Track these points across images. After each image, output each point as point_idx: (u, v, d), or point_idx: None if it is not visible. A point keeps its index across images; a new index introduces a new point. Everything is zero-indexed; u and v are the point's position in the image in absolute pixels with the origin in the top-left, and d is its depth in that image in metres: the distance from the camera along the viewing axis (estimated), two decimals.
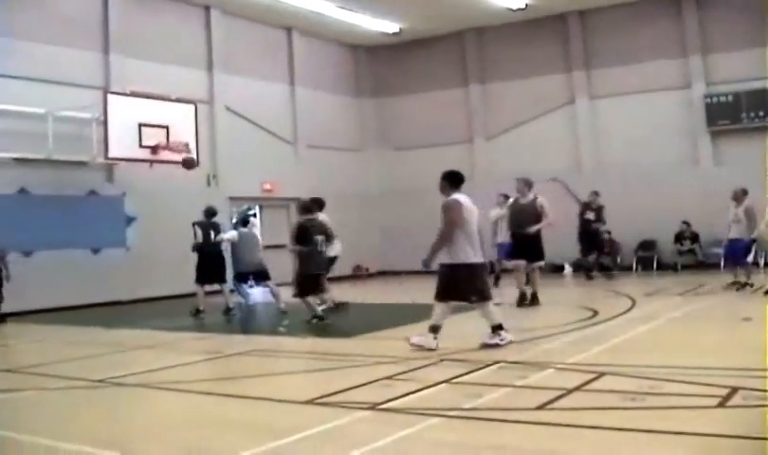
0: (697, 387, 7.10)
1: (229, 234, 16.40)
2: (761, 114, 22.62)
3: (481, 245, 10.31)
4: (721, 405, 6.48)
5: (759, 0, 22.35)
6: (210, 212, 16.41)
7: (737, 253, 16.71)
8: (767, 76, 20.75)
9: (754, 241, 16.65)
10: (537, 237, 14.80)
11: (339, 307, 14.58)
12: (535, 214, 14.69)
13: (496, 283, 20.40)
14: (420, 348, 9.78)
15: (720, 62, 23.43)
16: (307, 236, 13.96)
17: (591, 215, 20.56)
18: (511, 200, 15.09)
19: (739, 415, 6.27)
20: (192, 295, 16.30)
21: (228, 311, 15.98)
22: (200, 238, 15.99)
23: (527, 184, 14.91)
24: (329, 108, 27.33)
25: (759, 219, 16.36)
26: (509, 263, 15.80)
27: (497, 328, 10.09)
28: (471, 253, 10.08)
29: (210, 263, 16.07)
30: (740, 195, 16.68)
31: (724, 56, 23.25)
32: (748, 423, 5.99)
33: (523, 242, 14.76)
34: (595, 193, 20.83)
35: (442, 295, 10.12)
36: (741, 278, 16.59)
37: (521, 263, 14.90)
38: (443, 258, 10.13)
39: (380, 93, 28.73)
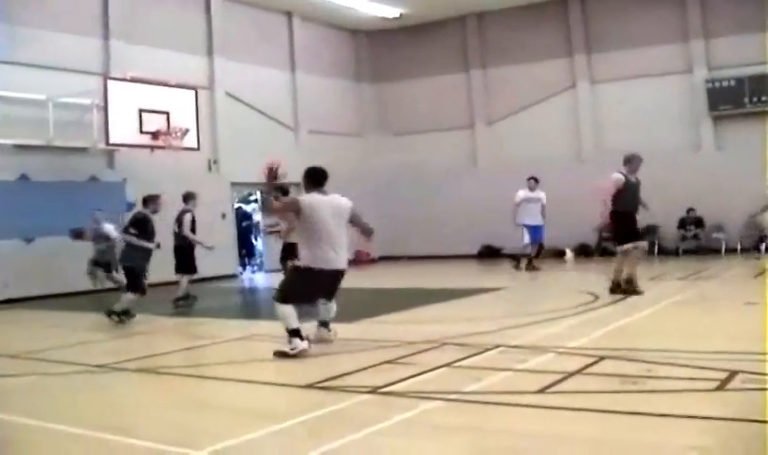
0: (696, 370, 7.13)
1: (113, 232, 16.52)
2: (764, 98, 22.51)
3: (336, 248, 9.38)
4: (719, 388, 6.50)
5: None
6: (144, 200, 14.22)
7: None
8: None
9: None
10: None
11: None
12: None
13: (518, 265, 20.18)
14: (286, 354, 8.93)
15: (722, 46, 23.30)
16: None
17: None
18: (619, 176, 13.57)
19: (737, 398, 6.30)
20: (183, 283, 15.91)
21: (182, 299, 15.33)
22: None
23: (640, 160, 13.79)
24: (330, 93, 27.28)
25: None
26: (621, 247, 13.81)
27: (294, 333, 9.04)
28: (319, 256, 9.25)
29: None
30: None
31: (727, 40, 23.12)
32: (746, 406, 6.01)
33: (635, 223, 13.74)
34: None
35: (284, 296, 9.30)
36: None
37: (644, 244, 14.09)
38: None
39: (381, 78, 28.67)
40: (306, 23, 26.41)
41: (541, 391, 6.71)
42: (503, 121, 26.56)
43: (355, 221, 9.92)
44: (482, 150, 26.86)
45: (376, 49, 28.67)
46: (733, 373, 6.84)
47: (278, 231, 17.15)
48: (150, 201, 13.80)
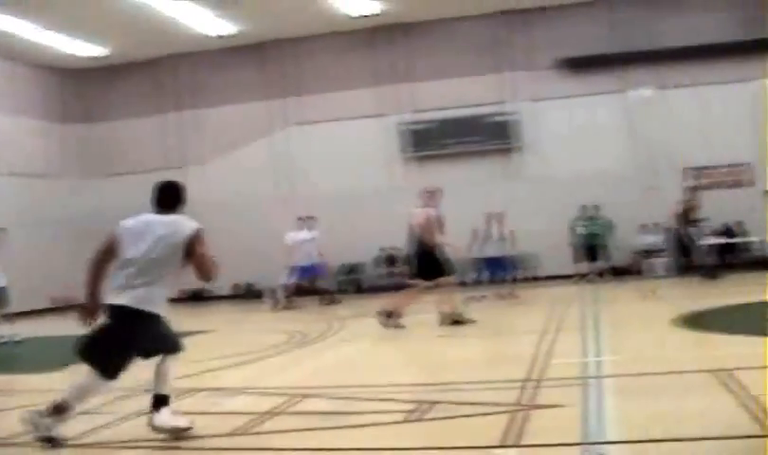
0: (388, 403, 7.39)
1: None
2: (460, 140, 23.82)
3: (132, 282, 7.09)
4: (406, 420, 6.77)
5: (460, 33, 23.65)
6: None
7: (499, 269, 19.06)
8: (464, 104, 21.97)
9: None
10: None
11: None
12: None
13: (288, 304, 20.07)
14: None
15: (421, 90, 24.36)
16: None
17: None
18: (431, 210, 13.86)
19: (422, 428, 6.58)
20: None
21: None
22: None
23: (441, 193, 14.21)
24: (34, 134, 25.82)
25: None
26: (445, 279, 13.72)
27: (162, 402, 6.86)
28: (113, 291, 7.12)
29: None
30: (498, 217, 18.86)
31: (426, 85, 24.22)
32: (430, 434, 6.34)
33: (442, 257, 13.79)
34: None
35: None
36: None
37: (451, 279, 13.83)
38: None
39: (90, 118, 27.60)
40: (8, 62, 25.03)
41: (234, 433, 6.68)
42: (213, 162, 26.29)
43: (191, 253, 7.47)
44: (193, 190, 26.12)
45: (85, 89, 27.60)
46: (420, 404, 7.15)
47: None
48: None
